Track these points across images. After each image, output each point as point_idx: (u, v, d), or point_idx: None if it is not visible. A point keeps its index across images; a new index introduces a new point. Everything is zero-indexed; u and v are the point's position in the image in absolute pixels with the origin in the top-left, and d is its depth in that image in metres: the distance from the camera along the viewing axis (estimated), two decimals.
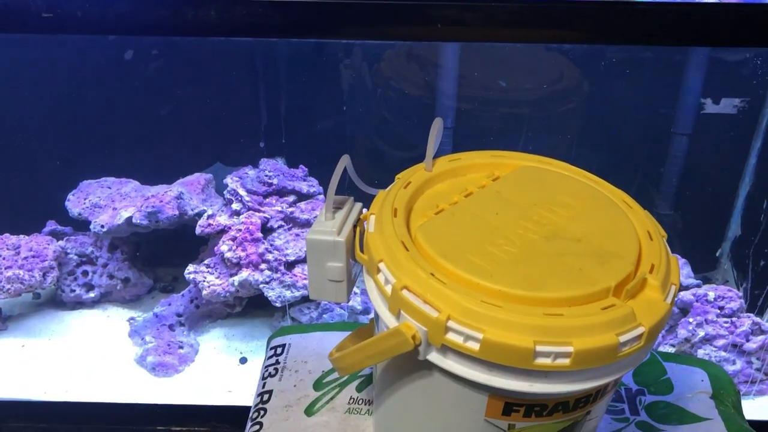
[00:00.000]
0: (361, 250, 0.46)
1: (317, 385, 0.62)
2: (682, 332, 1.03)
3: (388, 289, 0.41)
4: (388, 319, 0.42)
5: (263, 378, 0.64)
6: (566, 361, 0.37)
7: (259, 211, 1.10)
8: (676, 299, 1.05)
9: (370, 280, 0.44)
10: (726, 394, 0.66)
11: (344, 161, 0.47)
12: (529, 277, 0.40)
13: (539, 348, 0.37)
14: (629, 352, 0.39)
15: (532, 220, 0.45)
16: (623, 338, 0.38)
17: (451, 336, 0.39)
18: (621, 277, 0.41)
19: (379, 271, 0.42)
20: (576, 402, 0.42)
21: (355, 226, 0.48)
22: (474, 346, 0.38)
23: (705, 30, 0.61)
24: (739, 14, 0.60)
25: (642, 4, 0.62)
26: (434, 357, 0.40)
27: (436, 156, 0.52)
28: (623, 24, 0.60)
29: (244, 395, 1.06)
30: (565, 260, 0.42)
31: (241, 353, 1.15)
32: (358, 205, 0.50)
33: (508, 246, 0.43)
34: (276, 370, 0.64)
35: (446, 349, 0.39)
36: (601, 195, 0.49)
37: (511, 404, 0.41)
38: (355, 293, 1.12)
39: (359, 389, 0.61)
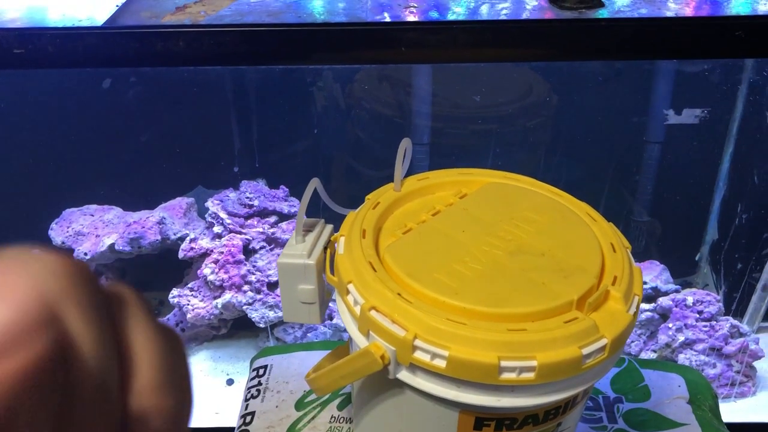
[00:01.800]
0: (332, 272, 0.47)
1: (299, 405, 0.63)
2: (662, 338, 1.04)
3: (357, 309, 0.42)
4: (359, 340, 0.43)
5: (246, 399, 0.65)
6: (531, 375, 0.38)
7: (240, 233, 1.10)
8: (655, 305, 1.06)
9: (341, 302, 0.45)
10: (703, 399, 0.66)
11: (313, 184, 0.48)
12: (494, 293, 0.41)
13: (504, 363, 0.38)
14: (593, 364, 0.40)
15: (497, 237, 0.46)
16: (586, 350, 0.39)
17: (418, 354, 0.39)
18: (583, 290, 0.42)
19: (348, 292, 0.43)
20: (546, 414, 0.43)
21: (326, 248, 0.49)
22: (441, 363, 0.39)
23: (665, 43, 0.62)
24: (697, 27, 0.61)
25: (603, 21, 0.63)
26: (404, 375, 0.41)
27: (411, 173, 0.53)
28: (585, 41, 0.61)
29: (231, 417, 1.06)
30: (529, 275, 0.43)
31: (227, 375, 1.15)
32: (329, 226, 0.51)
33: (474, 263, 0.44)
34: (258, 391, 0.65)
35: (415, 367, 0.40)
36: (565, 209, 0.50)
37: (481, 419, 0.42)
38: None
39: (340, 408, 0.62)
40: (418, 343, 0.39)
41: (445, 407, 0.42)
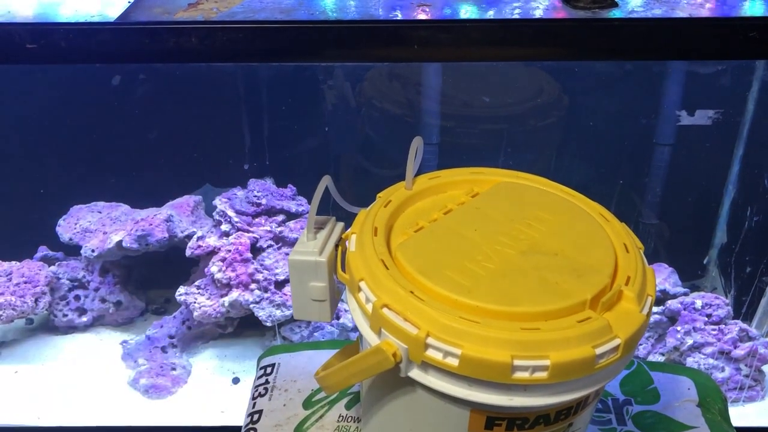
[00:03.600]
0: (343, 270, 0.47)
1: (307, 403, 0.62)
2: (670, 341, 1.03)
3: (369, 307, 0.42)
4: (370, 337, 0.42)
5: (253, 398, 0.64)
6: (544, 375, 0.38)
7: (248, 231, 1.10)
8: (663, 308, 1.06)
9: (352, 299, 0.45)
10: (713, 402, 0.66)
11: (324, 182, 0.48)
12: (507, 292, 0.41)
13: (517, 362, 0.37)
14: (606, 364, 0.39)
15: (509, 236, 0.46)
16: (599, 350, 0.39)
17: (430, 353, 0.39)
18: (597, 290, 0.41)
19: (360, 290, 0.43)
20: (557, 414, 0.42)
21: (337, 246, 0.49)
22: (453, 362, 0.38)
23: (679, 44, 0.62)
24: (711, 28, 0.61)
25: (616, 21, 0.63)
26: (416, 374, 0.41)
27: (420, 172, 0.53)
28: (598, 41, 0.61)
29: (237, 415, 1.05)
30: (542, 274, 0.43)
31: (233, 373, 1.15)
32: (340, 224, 0.51)
33: (486, 262, 0.43)
34: (266, 389, 0.65)
35: (427, 365, 0.40)
36: (577, 209, 0.50)
37: (492, 418, 0.42)
38: (346, 310, 1.12)
39: (348, 407, 0.61)
40: (430, 341, 0.39)
41: (456, 406, 0.42)
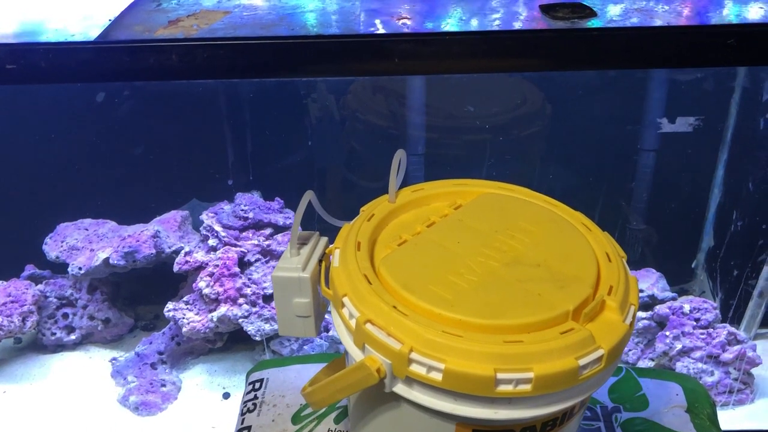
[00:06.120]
0: (327, 285, 0.46)
1: (295, 418, 0.62)
2: (660, 346, 1.03)
3: (353, 323, 0.42)
4: (355, 353, 0.42)
5: (242, 414, 0.64)
6: (527, 387, 0.38)
7: (235, 245, 1.10)
8: (652, 313, 1.06)
9: (337, 315, 0.45)
10: (701, 407, 0.66)
11: (307, 197, 0.48)
12: (490, 304, 0.41)
13: (500, 375, 0.37)
14: (590, 375, 0.39)
15: (492, 248, 0.46)
16: (583, 361, 0.39)
17: (414, 367, 0.39)
18: (579, 301, 0.41)
19: (343, 305, 0.43)
20: (543, 426, 0.42)
21: (320, 261, 0.49)
22: (437, 376, 0.38)
23: (658, 52, 0.62)
24: (689, 36, 0.62)
25: (595, 30, 0.63)
26: (400, 389, 0.41)
27: (406, 183, 0.53)
28: (578, 51, 0.62)
29: (228, 431, 1.05)
30: (525, 286, 0.43)
31: (223, 388, 1.14)
32: (324, 239, 0.51)
33: (469, 274, 0.44)
34: (254, 405, 0.64)
35: (411, 380, 0.40)
36: (560, 219, 0.50)
37: (478, 431, 0.42)
38: None
39: (337, 421, 0.61)
40: (413, 356, 0.39)
41: (441, 420, 0.41)
